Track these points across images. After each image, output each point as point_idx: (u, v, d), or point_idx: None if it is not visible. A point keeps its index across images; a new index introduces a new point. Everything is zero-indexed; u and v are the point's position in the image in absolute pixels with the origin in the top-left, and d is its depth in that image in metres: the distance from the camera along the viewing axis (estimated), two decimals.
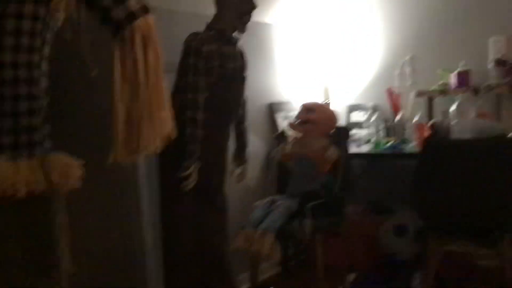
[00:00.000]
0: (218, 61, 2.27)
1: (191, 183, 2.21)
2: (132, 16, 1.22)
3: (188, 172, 2.19)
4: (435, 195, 2.60)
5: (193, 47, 2.21)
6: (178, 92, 2.22)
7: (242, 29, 2.40)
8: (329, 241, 3.27)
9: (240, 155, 2.68)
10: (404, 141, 3.22)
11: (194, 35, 2.26)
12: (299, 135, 3.14)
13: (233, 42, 2.42)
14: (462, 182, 2.51)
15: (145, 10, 1.25)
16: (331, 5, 3.88)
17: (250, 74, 3.39)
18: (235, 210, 3.20)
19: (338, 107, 3.67)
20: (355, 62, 3.82)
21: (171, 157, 2.16)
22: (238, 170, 2.70)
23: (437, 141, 2.58)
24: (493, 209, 2.51)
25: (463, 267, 3.06)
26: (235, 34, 2.41)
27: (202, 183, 2.31)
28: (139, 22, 1.22)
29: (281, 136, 3.25)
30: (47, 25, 1.27)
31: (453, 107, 3.04)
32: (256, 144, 3.47)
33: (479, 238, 2.69)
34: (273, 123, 3.63)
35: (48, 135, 1.33)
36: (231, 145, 2.64)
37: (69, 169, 1.30)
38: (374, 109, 3.64)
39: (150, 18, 1.25)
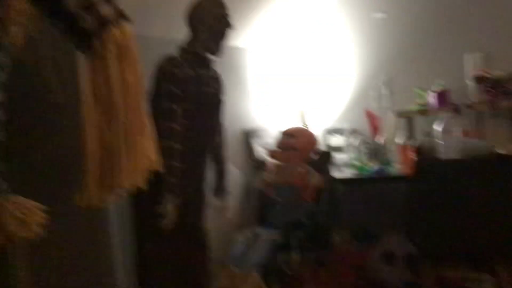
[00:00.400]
0: (194, 85, 2.09)
1: (170, 220, 1.99)
2: (105, 24, 1.01)
3: (166, 208, 1.98)
4: (429, 219, 2.48)
5: (167, 71, 2.03)
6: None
7: (218, 51, 2.24)
8: (316, 273, 3.10)
9: (220, 186, 2.48)
10: (388, 164, 3.10)
11: (167, 59, 2.08)
12: (280, 162, 2.98)
13: (209, 65, 2.26)
14: (457, 204, 2.39)
15: (121, 16, 1.04)
16: (305, 28, 3.79)
17: (225, 100, 3.25)
18: (213, 244, 2.99)
19: (315, 130, 3.54)
20: (331, 85, 3.72)
21: (146, 191, 1.95)
22: (219, 202, 2.49)
23: (430, 163, 2.46)
24: (489, 232, 2.40)
25: None
26: (211, 56, 2.25)
27: (181, 218, 2.10)
28: (114, 31, 1.01)
29: (260, 164, 3.07)
30: None
31: (437, 127, 2.95)
32: (234, 173, 3.28)
33: (474, 263, 2.58)
34: (249, 150, 3.46)
35: (4, 175, 1.09)
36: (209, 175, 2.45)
37: (28, 215, 1.04)
38: (353, 132, 3.53)
39: (127, 27, 1.04)
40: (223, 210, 2.52)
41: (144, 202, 2.04)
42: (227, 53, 3.30)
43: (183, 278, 2.21)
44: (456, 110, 3.04)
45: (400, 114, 3.28)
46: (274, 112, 3.71)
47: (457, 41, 3.25)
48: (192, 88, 2.09)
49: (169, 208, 1.98)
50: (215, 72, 2.33)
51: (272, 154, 2.95)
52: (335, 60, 3.71)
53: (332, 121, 3.72)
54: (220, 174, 2.47)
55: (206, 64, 2.23)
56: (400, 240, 3.01)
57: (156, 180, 1.95)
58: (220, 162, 2.45)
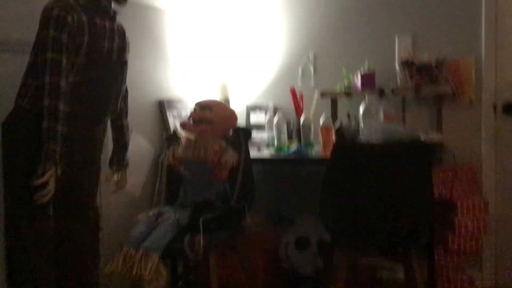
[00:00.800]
0: (88, 36, 1.77)
1: (47, 193, 1.69)
2: None
3: (43, 179, 1.67)
4: (342, 205, 2.35)
5: (54, 16, 1.70)
6: (32, 74, 1.69)
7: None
8: (224, 257, 2.90)
9: (119, 158, 2.18)
10: (309, 145, 2.94)
11: (56, 1, 1.74)
12: (193, 136, 2.72)
13: (110, 16, 1.93)
14: (371, 190, 2.27)
15: None
16: None
17: (138, 66, 2.94)
18: (114, 225, 2.70)
19: (237, 106, 3.31)
20: (256, 60, 3.49)
21: (21, 158, 1.63)
22: (116, 176, 2.20)
23: (346, 145, 2.32)
24: (404, 221, 2.30)
25: (369, 281, 2.86)
26: (113, 5, 1.93)
27: (67, 192, 1.80)
28: None
29: (173, 137, 2.79)
30: None
31: (362, 110, 2.83)
32: (143, 146, 2.99)
33: (387, 251, 2.50)
34: (163, 122, 3.18)
35: None
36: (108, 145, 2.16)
37: None
38: (276, 110, 3.35)
39: None
40: (122, 185, 2.23)
41: (18, 171, 1.72)
42: (144, 13, 3.00)
43: (66, 262, 1.91)
44: (380, 93, 2.93)
45: (325, 94, 3.13)
46: (193, 82, 3.44)
47: (389, 23, 3.14)
48: (86, 39, 1.77)
49: (47, 177, 1.67)
50: (119, 25, 2.01)
51: (184, 126, 2.68)
52: (261, 34, 3.48)
53: (254, 97, 3.50)
54: (120, 145, 2.18)
55: (107, 14, 1.91)
56: (315, 225, 2.90)
57: (34, 145, 1.65)
58: (121, 131, 2.16)
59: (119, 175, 2.19)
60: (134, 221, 2.43)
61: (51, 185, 1.68)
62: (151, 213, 2.50)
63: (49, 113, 1.65)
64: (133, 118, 2.86)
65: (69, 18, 1.71)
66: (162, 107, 3.17)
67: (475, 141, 2.95)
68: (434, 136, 2.63)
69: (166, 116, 3.17)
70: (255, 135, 3.31)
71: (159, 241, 2.31)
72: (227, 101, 3.31)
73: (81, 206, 1.93)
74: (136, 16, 2.91)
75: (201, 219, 2.36)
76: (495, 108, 2.91)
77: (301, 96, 3.21)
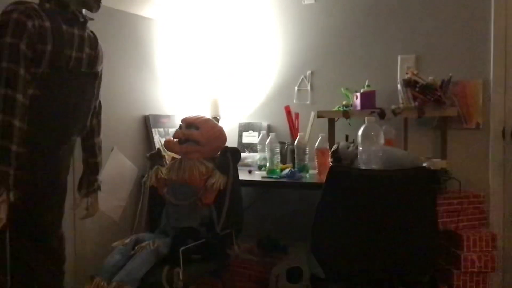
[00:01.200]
0: (52, 44, 1.57)
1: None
2: None
3: None
4: (336, 236, 2.13)
5: (12, 21, 1.50)
6: None
7: (94, 3, 1.73)
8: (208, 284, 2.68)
9: (90, 181, 1.97)
10: (303, 168, 2.73)
11: (16, 4, 1.54)
12: (178, 156, 2.52)
13: (80, 22, 1.73)
14: (369, 220, 2.06)
15: None
16: (226, 9, 3.36)
17: (123, 78, 2.75)
18: (90, 253, 2.48)
19: (228, 125, 3.12)
20: (250, 76, 3.30)
21: None
22: (86, 201, 1.99)
23: (343, 170, 2.11)
24: (404, 255, 2.09)
25: None
26: (84, 11, 1.73)
27: (27, 218, 1.59)
28: None
29: (156, 156, 2.59)
30: None
31: (361, 132, 2.62)
32: (125, 165, 2.78)
33: None
34: (148, 139, 2.97)
35: None
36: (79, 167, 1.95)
37: None
38: (269, 129, 3.15)
39: None
40: (92, 210, 2.02)
41: None
42: (132, 22, 2.82)
43: None
44: (381, 114, 2.73)
45: (321, 114, 2.94)
46: (183, 97, 3.24)
47: (392, 42, 2.96)
48: (49, 48, 1.57)
49: None
50: (91, 34, 1.82)
51: (169, 145, 2.48)
52: (257, 49, 3.30)
53: (247, 116, 3.31)
54: (90, 166, 1.96)
55: (76, 20, 1.71)
56: (308, 256, 2.69)
57: None
58: (92, 151, 1.95)
59: (89, 200, 1.98)
60: (110, 250, 2.21)
61: (2, 214, 1.47)
62: (127, 240, 2.28)
63: (1, 131, 1.45)
64: (115, 134, 2.68)
65: (30, 24, 1.51)
66: (147, 123, 2.98)
67: (482, 168, 2.75)
68: (438, 162, 2.43)
69: (151, 133, 2.97)
70: (247, 155, 3.11)
71: (134, 272, 2.09)
72: (217, 119, 3.11)
73: (42, 236, 1.71)
74: (121, 25, 2.73)
75: (181, 249, 2.15)
76: (503, 133, 2.71)
77: (297, 116, 3.02)
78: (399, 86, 2.74)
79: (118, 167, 2.72)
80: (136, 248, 2.21)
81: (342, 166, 2.25)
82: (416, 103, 2.66)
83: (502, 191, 2.72)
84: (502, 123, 2.72)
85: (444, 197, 2.56)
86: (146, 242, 2.24)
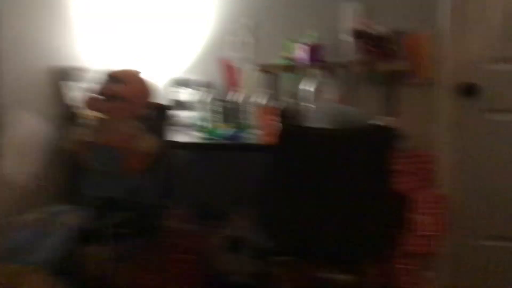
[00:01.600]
0: None
1: None
2: None
3: None
4: (285, 203, 1.93)
5: None
6: None
7: None
8: (138, 263, 2.41)
9: None
10: (245, 128, 2.48)
11: None
12: (101, 115, 2.18)
13: None
14: (320, 185, 1.88)
15: None
16: None
17: (24, 23, 2.30)
18: None
19: (158, 80, 2.78)
20: (182, 26, 2.96)
21: None
22: None
23: (297, 131, 1.89)
24: (358, 226, 1.94)
25: None
26: None
27: None
28: None
29: (74, 116, 2.24)
30: None
31: (306, 88, 2.40)
32: (34, 127, 2.38)
33: (337, 261, 2.13)
34: (61, 96, 2.57)
35: None
36: None
37: None
38: (207, 86, 2.84)
39: None
40: None
41: None
42: None
43: None
44: (330, 69, 2.52)
45: (263, 69, 2.68)
46: (102, 48, 2.84)
47: None
48: None
49: None
50: None
51: (91, 102, 2.13)
52: None
53: (179, 70, 2.98)
54: None
55: None
56: (251, 224, 2.49)
57: None
58: None
59: None
60: (13, 226, 1.86)
61: None
62: (40, 215, 1.93)
63: None
64: (17, 90, 2.26)
65: None
66: (59, 77, 2.56)
67: (433, 126, 2.63)
68: (388, 120, 2.29)
69: (65, 89, 2.56)
70: (181, 115, 2.80)
71: (49, 252, 1.78)
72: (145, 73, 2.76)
73: None
74: None
75: (107, 223, 1.85)
76: (456, 89, 2.60)
77: (237, 71, 2.73)
78: (344, 37, 2.51)
79: (24, 128, 2.32)
80: (50, 224, 1.88)
81: (296, 126, 2.02)
82: (368, 57, 2.45)
83: (452, 149, 2.64)
84: (455, 78, 2.59)
85: (393, 157, 2.45)
86: (63, 216, 1.91)
